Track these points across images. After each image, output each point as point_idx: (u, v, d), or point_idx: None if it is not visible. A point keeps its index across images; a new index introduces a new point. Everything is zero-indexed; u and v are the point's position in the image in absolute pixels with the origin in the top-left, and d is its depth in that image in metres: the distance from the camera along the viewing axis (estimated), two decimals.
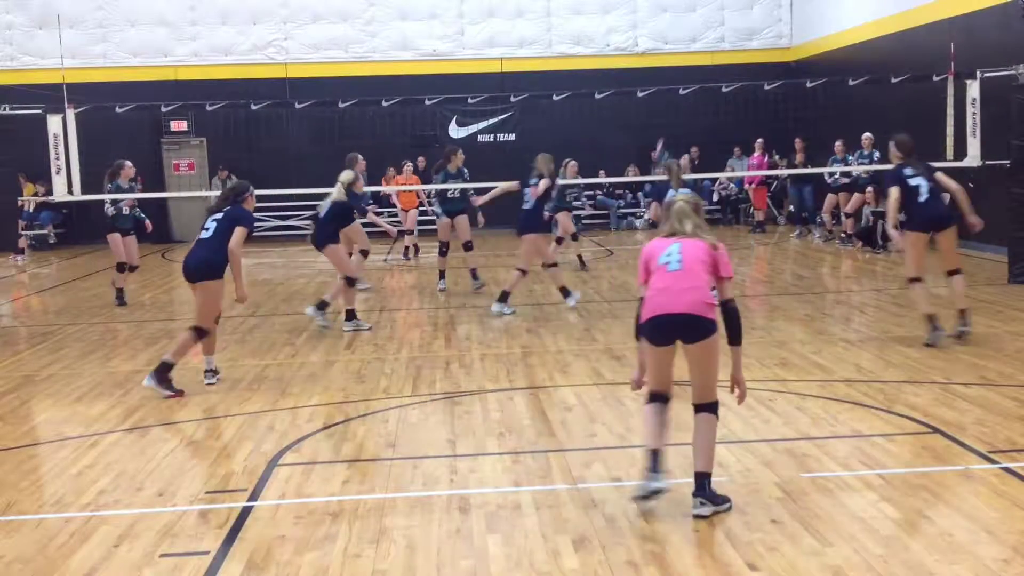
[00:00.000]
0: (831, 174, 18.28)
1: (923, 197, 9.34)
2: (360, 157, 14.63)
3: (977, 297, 11.96)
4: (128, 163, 13.67)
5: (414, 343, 10.43)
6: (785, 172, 20.39)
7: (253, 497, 5.85)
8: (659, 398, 5.50)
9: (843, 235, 18.16)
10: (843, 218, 18.19)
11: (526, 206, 12.00)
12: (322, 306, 11.29)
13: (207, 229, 8.61)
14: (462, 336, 10.82)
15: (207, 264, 8.50)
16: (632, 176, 22.24)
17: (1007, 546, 4.80)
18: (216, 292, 8.54)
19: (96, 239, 23.03)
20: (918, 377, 8.18)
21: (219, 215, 8.66)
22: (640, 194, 23.39)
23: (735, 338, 5.37)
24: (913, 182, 9.39)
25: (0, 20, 23.56)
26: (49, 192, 17.12)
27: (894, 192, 9.44)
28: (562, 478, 5.98)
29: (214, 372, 8.80)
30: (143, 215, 14.18)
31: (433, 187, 14.48)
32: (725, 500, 5.37)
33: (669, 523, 5.20)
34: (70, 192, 14.57)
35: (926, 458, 6.16)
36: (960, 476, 5.81)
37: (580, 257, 16.16)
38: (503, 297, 11.96)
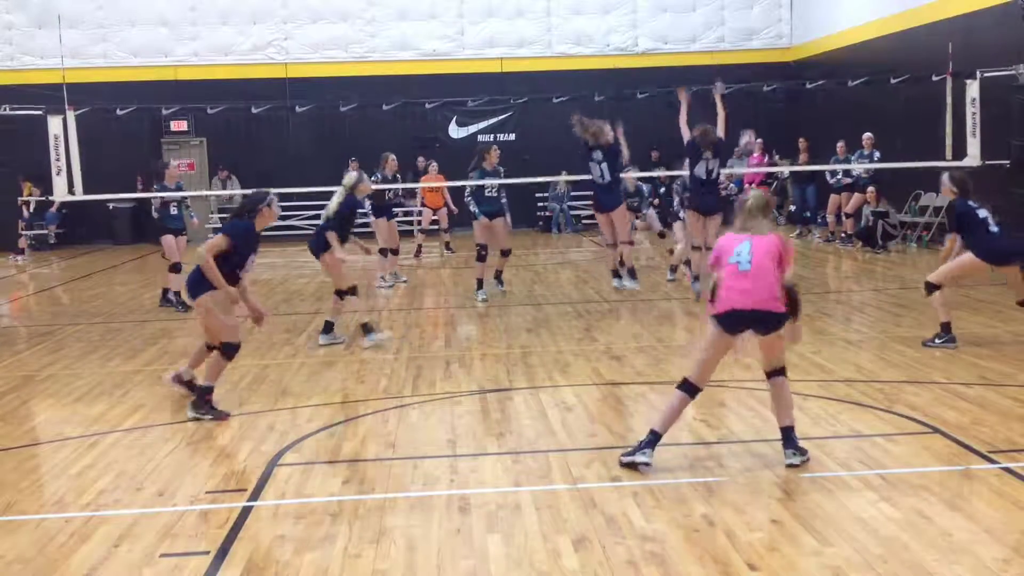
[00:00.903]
0: (833, 175, 18.28)
1: (994, 228, 9.23)
2: (392, 157, 14.69)
3: (977, 297, 11.96)
4: (173, 163, 13.61)
5: (414, 343, 10.43)
6: (786, 170, 20.38)
7: (253, 497, 5.85)
8: (692, 390, 6.03)
9: (843, 235, 18.17)
10: (843, 218, 18.21)
11: (602, 181, 11.94)
12: (328, 328, 10.54)
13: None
14: (462, 336, 10.82)
15: (191, 281, 7.75)
16: (632, 175, 22.21)
17: (1007, 546, 4.80)
18: (212, 310, 7.62)
19: (96, 239, 23.20)
20: (918, 377, 8.18)
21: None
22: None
23: (794, 314, 6.04)
24: (981, 214, 9.24)
25: (0, 20, 23.56)
26: (45, 193, 17.08)
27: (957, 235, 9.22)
28: (562, 478, 5.98)
29: (183, 380, 8.13)
30: (193, 214, 14.25)
31: (479, 182, 13.20)
32: (806, 452, 6.01)
33: (669, 523, 5.21)
34: (71, 192, 14.58)
35: (926, 458, 6.16)
36: (960, 476, 5.81)
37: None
38: (632, 273, 12.24)
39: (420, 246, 18.83)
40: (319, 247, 10.49)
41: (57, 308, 14.20)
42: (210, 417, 7.55)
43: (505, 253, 13.35)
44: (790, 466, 5.93)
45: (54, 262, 20.48)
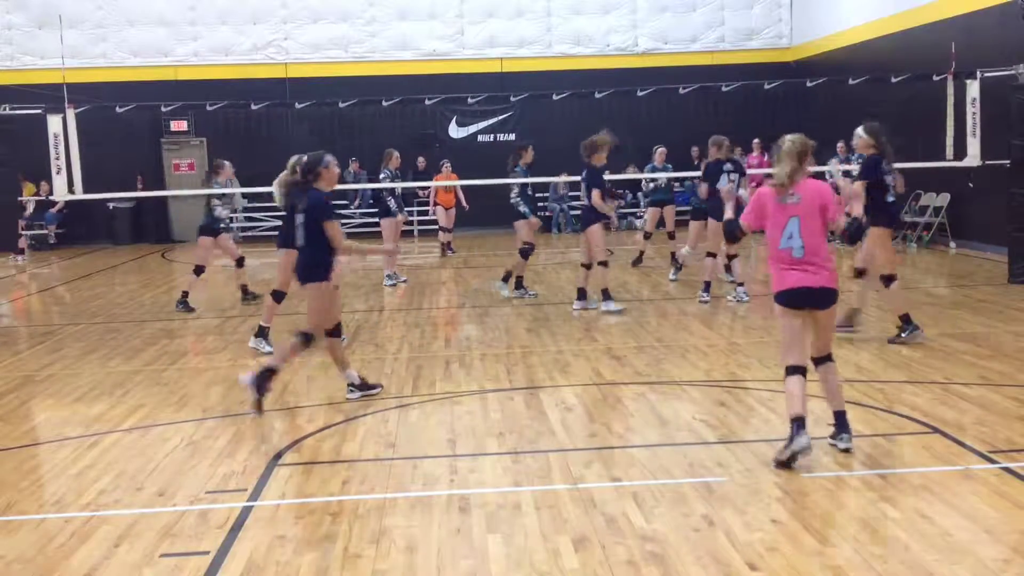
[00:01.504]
0: (831, 175, 18.25)
1: (891, 197, 9.45)
2: (396, 154, 14.63)
3: (977, 297, 11.97)
4: (227, 163, 13.50)
5: (414, 343, 10.43)
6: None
7: (253, 497, 5.85)
8: (799, 371, 6.14)
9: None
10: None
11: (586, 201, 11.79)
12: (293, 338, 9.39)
13: (299, 234, 7.73)
14: (462, 336, 10.82)
15: (305, 268, 7.73)
16: (632, 175, 22.23)
17: (1007, 546, 4.80)
18: (323, 295, 7.73)
19: (95, 239, 23.20)
20: (918, 377, 8.18)
21: (301, 216, 7.69)
22: (640, 194, 23.36)
23: (858, 235, 6.81)
24: (888, 179, 9.46)
25: (0, 20, 23.57)
26: (51, 192, 17.09)
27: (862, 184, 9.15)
28: (562, 478, 5.98)
29: (355, 386, 8.07)
30: (227, 212, 14.08)
31: (525, 181, 13.03)
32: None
33: (669, 523, 5.21)
34: (71, 192, 14.58)
35: (926, 458, 6.16)
36: (960, 476, 5.81)
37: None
38: (606, 295, 11.80)
39: (445, 243, 19.13)
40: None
41: (57, 308, 14.20)
42: (255, 395, 7.54)
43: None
44: (845, 451, 6.16)
45: (54, 262, 20.48)
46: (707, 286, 12.25)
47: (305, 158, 7.95)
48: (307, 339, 7.74)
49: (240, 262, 13.32)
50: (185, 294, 13.09)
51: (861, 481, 5.75)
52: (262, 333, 10.17)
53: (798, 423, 5.97)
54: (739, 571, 4.61)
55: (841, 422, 6.25)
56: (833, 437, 6.29)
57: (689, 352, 9.48)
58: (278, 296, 10.12)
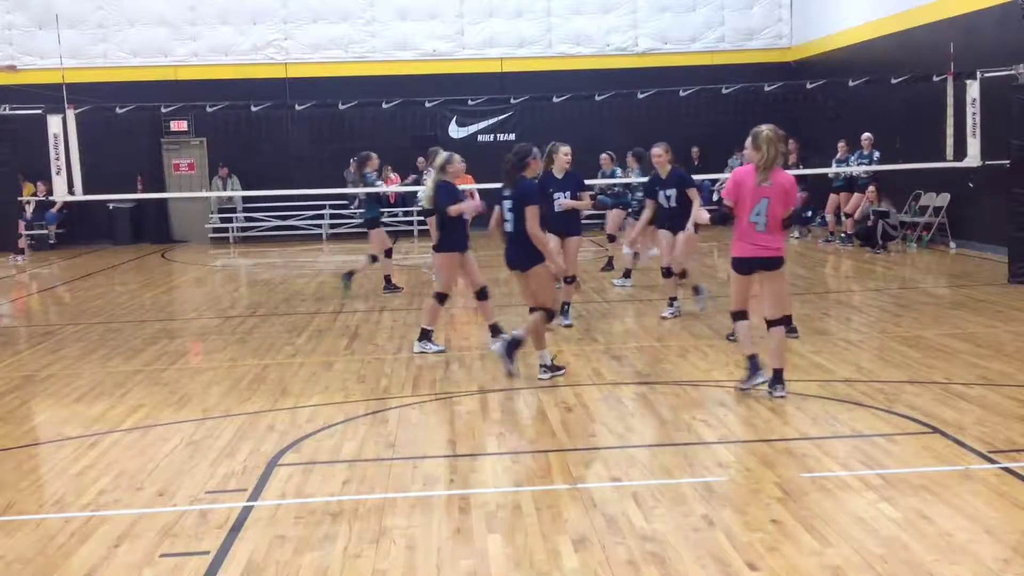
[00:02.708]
0: (835, 174, 18.29)
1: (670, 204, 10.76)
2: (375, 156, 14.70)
3: (977, 297, 11.97)
4: (374, 155, 14.13)
5: (414, 343, 10.42)
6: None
7: (253, 497, 5.85)
8: (742, 316, 7.73)
9: (843, 235, 18.18)
10: (843, 218, 18.22)
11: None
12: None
13: (507, 221, 8.40)
14: (462, 336, 10.81)
15: (525, 255, 8.36)
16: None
17: (1007, 546, 4.80)
18: (548, 273, 8.43)
19: (95, 239, 23.20)
20: (918, 377, 8.18)
21: (510, 202, 8.36)
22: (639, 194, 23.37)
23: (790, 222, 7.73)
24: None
25: (0, 20, 23.57)
26: (50, 192, 17.12)
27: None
28: (562, 478, 5.98)
29: (548, 368, 8.52)
30: (363, 207, 14.73)
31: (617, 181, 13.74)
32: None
33: (669, 523, 5.21)
34: (71, 192, 14.58)
35: (926, 458, 6.16)
36: (960, 476, 5.81)
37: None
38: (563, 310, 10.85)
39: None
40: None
41: (57, 308, 14.20)
42: (508, 367, 8.55)
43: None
44: (778, 397, 7.44)
45: (54, 262, 20.48)
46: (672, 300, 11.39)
47: (515, 148, 8.68)
48: (549, 315, 8.52)
49: (388, 253, 14.01)
50: (388, 278, 13.99)
51: (861, 481, 5.75)
52: (426, 335, 9.91)
53: (752, 360, 7.67)
54: (739, 571, 4.61)
55: (778, 377, 7.55)
56: (770, 386, 7.54)
57: (689, 352, 9.48)
58: (441, 298, 9.91)
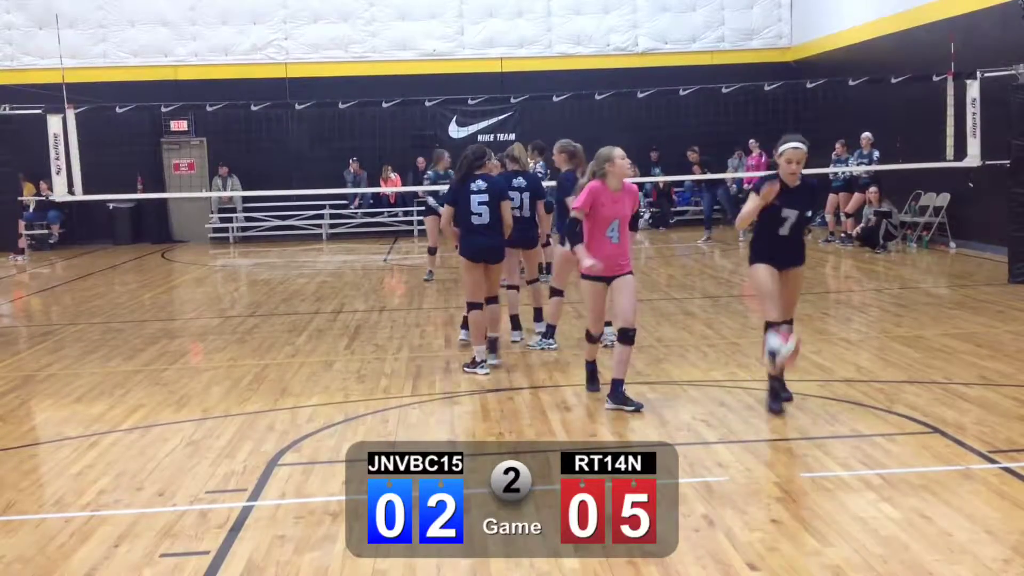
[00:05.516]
0: (834, 174, 18.28)
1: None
2: (446, 156, 14.88)
3: (977, 297, 11.97)
4: (446, 152, 14.72)
5: (414, 343, 10.43)
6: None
7: (253, 497, 5.85)
8: (594, 338, 7.93)
9: (843, 235, 18.17)
10: (843, 218, 18.22)
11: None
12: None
13: (479, 214, 8.68)
14: (462, 336, 10.79)
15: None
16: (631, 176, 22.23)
17: (1007, 546, 4.81)
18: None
19: (96, 239, 23.20)
20: (918, 377, 8.18)
21: (486, 196, 8.68)
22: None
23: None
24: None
25: (0, 20, 23.56)
26: (50, 191, 17.14)
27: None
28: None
29: (474, 364, 8.89)
30: (431, 200, 15.02)
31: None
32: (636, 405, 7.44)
33: (669, 523, 5.20)
34: (70, 192, 14.58)
35: (926, 458, 6.16)
36: (960, 476, 5.81)
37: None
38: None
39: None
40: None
41: (57, 308, 14.20)
42: (472, 369, 8.82)
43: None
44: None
45: (54, 262, 20.48)
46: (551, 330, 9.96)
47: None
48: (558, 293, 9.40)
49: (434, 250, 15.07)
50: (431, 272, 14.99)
51: (861, 481, 5.75)
52: (550, 333, 9.80)
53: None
54: (739, 571, 4.61)
55: (617, 390, 7.49)
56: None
57: (689, 352, 9.48)
58: (558, 292, 9.74)
